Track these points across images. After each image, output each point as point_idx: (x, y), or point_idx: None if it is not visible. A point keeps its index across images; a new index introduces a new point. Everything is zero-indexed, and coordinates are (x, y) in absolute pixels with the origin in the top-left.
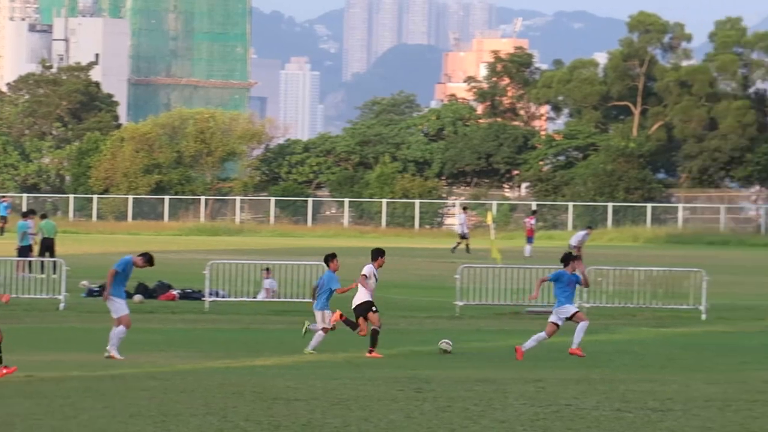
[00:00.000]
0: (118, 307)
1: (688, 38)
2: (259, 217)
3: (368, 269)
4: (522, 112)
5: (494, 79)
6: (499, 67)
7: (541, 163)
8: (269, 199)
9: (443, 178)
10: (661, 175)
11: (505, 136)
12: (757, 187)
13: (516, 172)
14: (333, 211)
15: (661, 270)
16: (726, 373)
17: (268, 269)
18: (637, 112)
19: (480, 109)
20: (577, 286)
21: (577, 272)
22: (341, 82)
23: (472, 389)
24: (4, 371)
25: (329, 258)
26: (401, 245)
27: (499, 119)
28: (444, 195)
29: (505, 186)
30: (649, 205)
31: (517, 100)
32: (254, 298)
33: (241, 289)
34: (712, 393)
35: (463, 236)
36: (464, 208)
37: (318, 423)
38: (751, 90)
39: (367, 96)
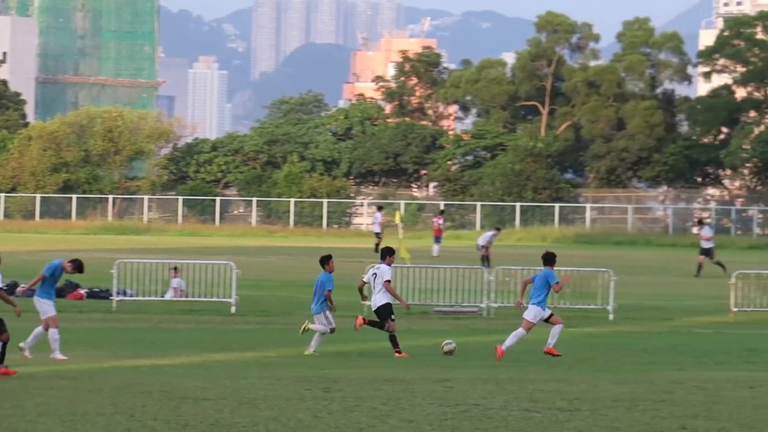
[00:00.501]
0: (46, 308)
1: (596, 38)
2: (167, 216)
3: (389, 271)
4: (430, 112)
5: (402, 78)
6: (407, 66)
7: (449, 162)
8: (177, 198)
9: (351, 177)
10: (569, 175)
11: (413, 135)
12: (665, 188)
13: (424, 171)
14: (241, 211)
15: (569, 270)
16: (633, 373)
17: (176, 268)
18: (545, 112)
19: (388, 108)
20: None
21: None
22: (249, 82)
23: (380, 389)
24: (2, 371)
25: (325, 259)
26: (309, 245)
27: (407, 119)
28: (352, 194)
29: (413, 186)
30: (557, 205)
31: (425, 100)
32: (162, 297)
33: (149, 288)
34: (620, 393)
35: (378, 235)
36: (379, 208)
37: (226, 422)
38: (659, 90)
39: (275, 95)
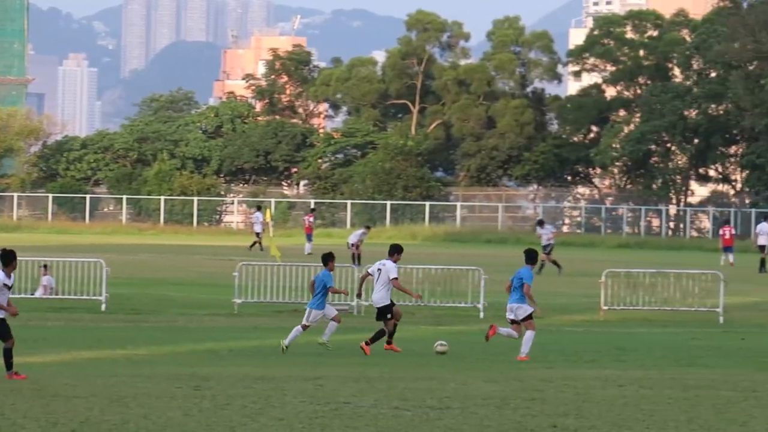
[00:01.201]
0: None
1: (466, 37)
2: (37, 213)
3: (394, 269)
4: (301, 110)
5: (273, 76)
6: (277, 64)
7: (319, 161)
8: (47, 196)
9: (222, 175)
10: (439, 174)
11: (284, 133)
12: (535, 186)
13: (294, 169)
14: (111, 208)
15: (440, 268)
16: (504, 372)
17: (45, 266)
18: (415, 110)
19: (258, 106)
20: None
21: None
22: (119, 79)
23: (251, 387)
24: (15, 377)
25: (328, 258)
26: (180, 242)
27: (277, 117)
28: (222, 192)
29: (284, 184)
30: (427, 204)
31: (295, 98)
32: (32, 294)
33: (18, 286)
34: (491, 391)
35: (258, 234)
36: (258, 207)
37: (96, 420)
38: (529, 89)
39: (145, 93)
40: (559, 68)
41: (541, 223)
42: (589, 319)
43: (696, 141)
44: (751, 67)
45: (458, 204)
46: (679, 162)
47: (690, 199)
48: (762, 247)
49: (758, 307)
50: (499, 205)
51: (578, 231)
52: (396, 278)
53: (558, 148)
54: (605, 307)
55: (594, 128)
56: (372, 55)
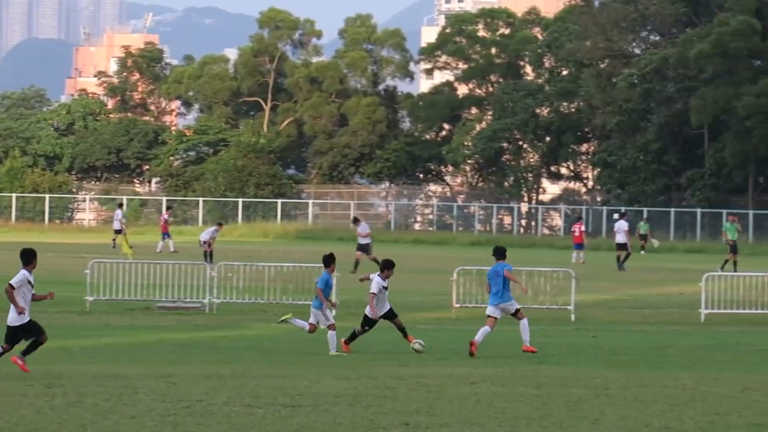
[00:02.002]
0: None
1: (319, 35)
2: None
3: (376, 285)
4: (153, 108)
5: (125, 74)
6: (129, 62)
7: (171, 158)
8: None
9: (74, 172)
10: (291, 171)
11: (136, 131)
12: (387, 184)
13: (146, 167)
14: None
15: (291, 266)
16: (356, 369)
17: None
18: (267, 108)
19: (111, 104)
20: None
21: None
22: None
23: (102, 385)
24: (20, 363)
25: (329, 259)
26: (32, 240)
27: (129, 114)
28: (74, 190)
29: (136, 181)
30: (279, 201)
31: (147, 96)
32: None
33: None
34: (343, 389)
35: (118, 232)
36: (120, 205)
37: None
38: (381, 87)
39: None
40: (412, 66)
41: (356, 220)
42: (441, 316)
43: (548, 139)
44: (602, 66)
45: (310, 202)
46: (531, 160)
47: (542, 197)
48: (619, 245)
49: (609, 305)
50: (351, 202)
51: (430, 229)
52: (374, 293)
53: (410, 146)
54: (457, 305)
55: (446, 126)
56: (224, 52)
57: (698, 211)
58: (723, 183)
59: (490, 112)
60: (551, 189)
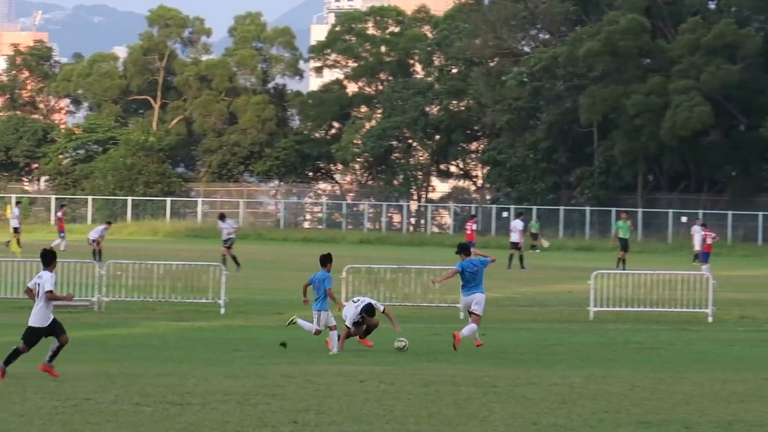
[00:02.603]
0: None
1: (208, 33)
2: None
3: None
4: (42, 106)
5: (14, 72)
6: (18, 60)
7: (60, 156)
8: None
9: None
10: (180, 170)
11: (25, 129)
12: (276, 182)
13: (35, 165)
14: None
15: (181, 264)
16: (245, 368)
17: None
18: (157, 106)
19: None
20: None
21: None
22: None
23: None
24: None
25: (326, 259)
26: None
27: (18, 112)
28: None
29: (25, 179)
30: (168, 199)
31: (36, 94)
32: None
33: None
34: (231, 387)
35: (16, 230)
36: (18, 203)
37: None
38: (271, 85)
39: None
40: (301, 64)
41: (222, 217)
42: None
43: (437, 137)
44: (492, 64)
45: (199, 200)
46: (421, 158)
47: (431, 195)
48: (514, 244)
49: (498, 303)
50: (240, 201)
51: (320, 227)
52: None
53: (299, 144)
54: (346, 303)
55: (335, 124)
56: (113, 50)
57: (587, 209)
58: (612, 181)
59: (379, 111)
60: (441, 187)
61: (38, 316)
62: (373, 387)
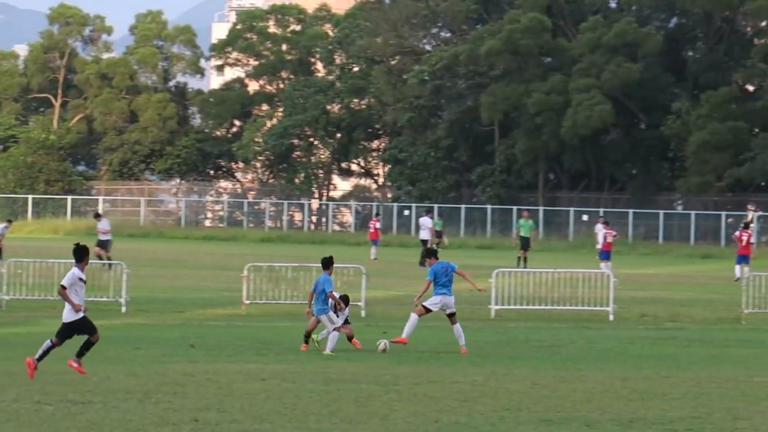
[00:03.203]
0: None
1: (109, 31)
2: None
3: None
4: None
5: None
6: None
7: None
8: None
9: None
10: (81, 168)
11: None
12: (178, 180)
13: None
14: None
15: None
16: (146, 366)
17: None
18: (57, 104)
19: None
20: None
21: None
22: None
23: None
24: (75, 366)
25: (328, 261)
26: None
27: None
28: None
29: None
30: (69, 198)
31: None
32: None
33: None
34: (133, 385)
35: None
36: None
37: None
38: (172, 83)
39: None
40: (202, 62)
41: (97, 216)
42: (231, 313)
43: (338, 135)
44: (393, 62)
45: (100, 198)
46: (322, 156)
47: (332, 194)
48: (424, 242)
49: (399, 301)
50: (141, 199)
51: (221, 225)
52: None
53: (200, 143)
54: (247, 302)
55: (237, 122)
56: (14, 48)
57: (488, 207)
58: (513, 179)
59: (280, 109)
60: (342, 185)
61: (71, 312)
62: (275, 385)
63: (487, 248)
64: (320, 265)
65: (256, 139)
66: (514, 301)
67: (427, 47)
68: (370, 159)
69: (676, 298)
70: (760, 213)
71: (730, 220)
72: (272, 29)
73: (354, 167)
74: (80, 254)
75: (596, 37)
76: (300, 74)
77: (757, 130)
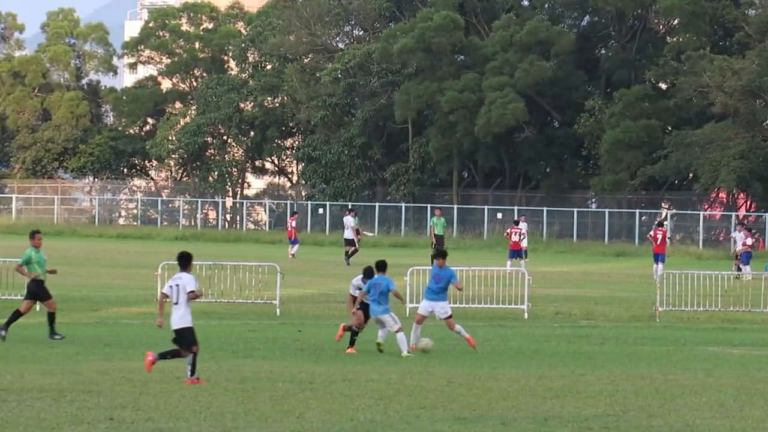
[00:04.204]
0: None
1: (21, 29)
2: None
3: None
4: None
5: None
6: None
7: None
8: None
9: None
10: None
11: None
12: (91, 179)
13: None
14: None
15: None
16: (60, 364)
17: None
18: None
19: None
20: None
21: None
22: None
23: None
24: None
25: (383, 264)
26: None
27: None
28: None
29: None
30: None
31: None
32: None
33: None
34: (47, 384)
35: None
36: None
37: None
38: (84, 81)
39: None
40: (115, 60)
41: None
42: (145, 311)
43: (252, 133)
44: (306, 60)
45: (14, 197)
46: (236, 154)
47: (246, 192)
48: (347, 240)
49: (315, 300)
50: (55, 197)
51: (135, 224)
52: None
53: (114, 141)
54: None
55: (150, 120)
56: None
57: (403, 205)
58: (427, 177)
59: (194, 107)
60: (256, 184)
61: (183, 318)
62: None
63: (401, 246)
64: (375, 267)
65: (170, 138)
66: None
67: (340, 45)
68: (284, 157)
69: (590, 296)
70: (674, 211)
71: (644, 218)
72: (185, 27)
73: (268, 165)
74: (186, 260)
75: (509, 36)
76: (213, 72)
77: (670, 128)
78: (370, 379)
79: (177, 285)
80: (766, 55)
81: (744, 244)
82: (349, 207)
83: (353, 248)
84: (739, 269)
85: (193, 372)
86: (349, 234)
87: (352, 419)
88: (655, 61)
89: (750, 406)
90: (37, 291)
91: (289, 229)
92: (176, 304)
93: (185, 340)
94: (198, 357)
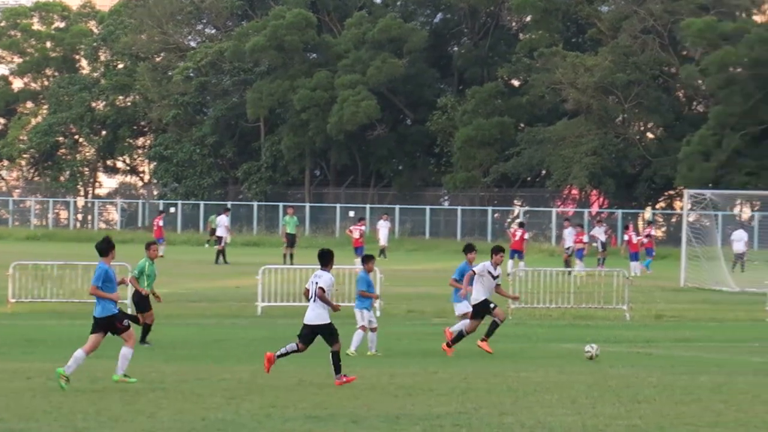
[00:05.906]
0: None
1: None
2: None
3: (481, 266)
4: None
5: None
6: None
7: None
8: None
9: None
10: None
11: None
12: None
13: None
14: None
15: None
16: None
17: None
18: None
19: None
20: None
21: None
22: None
23: None
24: (344, 379)
25: (367, 258)
26: None
27: None
28: None
29: None
30: None
31: None
32: None
33: None
34: None
35: None
36: None
37: None
38: None
39: None
40: None
41: None
42: None
43: (104, 133)
44: (158, 59)
45: None
46: (87, 154)
47: (98, 191)
48: (219, 239)
49: (166, 299)
50: None
51: None
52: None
53: None
54: (13, 300)
55: (1, 120)
56: None
57: (255, 204)
58: (279, 176)
59: (45, 106)
60: (108, 183)
61: (320, 317)
62: (41, 384)
63: (253, 245)
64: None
65: (21, 137)
66: (281, 298)
67: (192, 44)
68: (135, 156)
69: (443, 294)
70: (527, 208)
71: (496, 215)
72: (36, 26)
73: (120, 165)
74: (327, 258)
75: (361, 33)
76: (65, 71)
77: (522, 125)
78: (222, 379)
79: (316, 282)
80: (619, 52)
81: (578, 241)
82: (228, 206)
83: (221, 246)
84: (568, 264)
85: (338, 370)
86: (221, 232)
87: (203, 418)
88: (507, 58)
89: (602, 402)
90: (139, 301)
91: (156, 228)
92: (313, 301)
93: (329, 333)
94: (339, 355)
